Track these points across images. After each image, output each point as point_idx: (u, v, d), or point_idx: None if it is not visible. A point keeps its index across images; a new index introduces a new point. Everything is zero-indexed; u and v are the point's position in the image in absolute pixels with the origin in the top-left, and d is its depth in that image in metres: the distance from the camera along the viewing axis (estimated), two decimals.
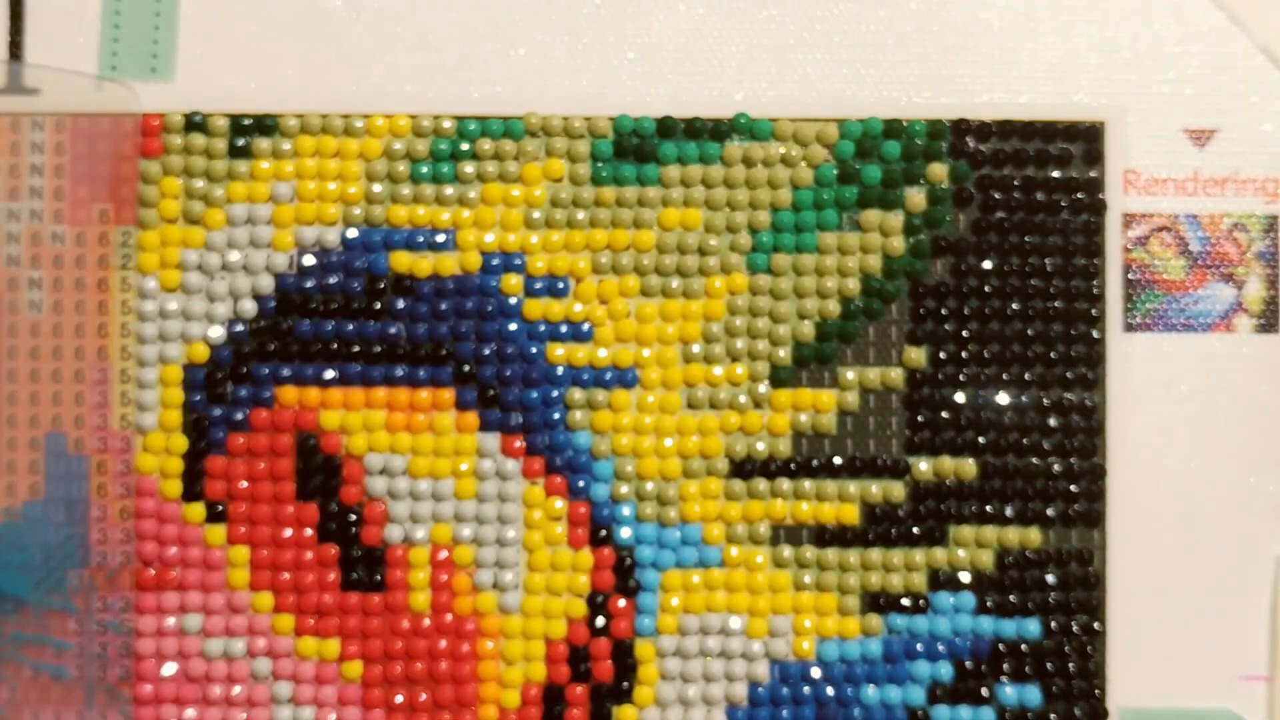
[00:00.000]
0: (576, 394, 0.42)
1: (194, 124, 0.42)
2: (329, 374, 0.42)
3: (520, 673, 0.42)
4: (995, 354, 0.42)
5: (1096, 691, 0.42)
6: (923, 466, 0.42)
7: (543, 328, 0.42)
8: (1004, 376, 0.42)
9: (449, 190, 0.42)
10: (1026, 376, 0.42)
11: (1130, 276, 0.43)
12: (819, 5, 0.43)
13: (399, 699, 0.41)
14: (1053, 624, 0.42)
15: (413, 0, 0.43)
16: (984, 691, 0.42)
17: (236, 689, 0.41)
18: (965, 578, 0.42)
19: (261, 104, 0.42)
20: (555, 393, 0.42)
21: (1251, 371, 0.43)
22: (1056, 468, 0.42)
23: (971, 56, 0.43)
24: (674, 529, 0.42)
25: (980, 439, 0.42)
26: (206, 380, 0.42)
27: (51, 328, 0.41)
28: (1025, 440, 0.42)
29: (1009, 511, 0.42)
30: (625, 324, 0.42)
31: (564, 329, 0.42)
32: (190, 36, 0.42)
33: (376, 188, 0.42)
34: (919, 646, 0.42)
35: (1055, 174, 0.43)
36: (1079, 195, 0.43)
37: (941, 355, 0.42)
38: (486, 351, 0.42)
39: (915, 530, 0.42)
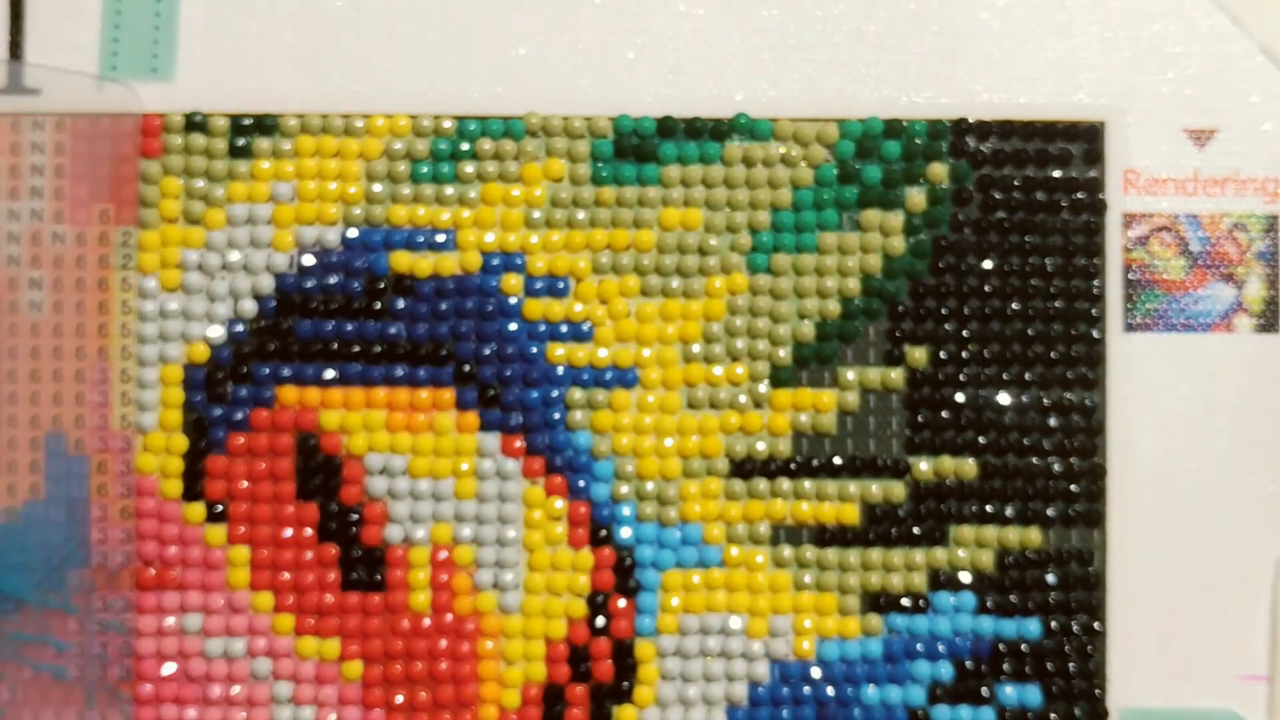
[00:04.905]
0: (576, 394, 0.42)
1: (194, 124, 0.42)
2: (329, 374, 0.42)
3: (520, 673, 0.42)
4: (995, 354, 0.42)
5: (1096, 691, 0.42)
6: (923, 466, 0.42)
7: (543, 328, 0.42)
8: (1004, 376, 0.42)
9: (449, 190, 0.42)
10: (1027, 376, 0.42)
11: (1130, 276, 0.43)
12: (819, 5, 0.43)
13: (399, 699, 0.41)
14: (1053, 624, 0.42)
15: (413, 0, 0.43)
16: (984, 691, 0.42)
17: (236, 689, 0.41)
18: (965, 578, 0.42)
19: (261, 104, 0.42)
20: (555, 393, 0.42)
21: (1251, 371, 0.43)
22: (1057, 468, 0.42)
23: (972, 56, 0.43)
24: (674, 529, 0.42)
25: (980, 439, 0.42)
26: (207, 380, 0.42)
27: (51, 328, 0.41)
28: (1025, 440, 0.42)
29: (1009, 511, 0.42)
30: (625, 324, 0.42)
31: (564, 329, 0.42)
32: (190, 36, 0.42)
33: (376, 188, 0.42)
34: (919, 646, 0.42)
35: (1055, 174, 0.43)
36: (1079, 195, 0.43)
37: (941, 355, 0.42)
38: (487, 351, 0.42)
39: (915, 530, 0.42)
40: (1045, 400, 0.42)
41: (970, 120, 0.43)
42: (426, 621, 0.42)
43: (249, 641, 0.41)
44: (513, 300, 0.42)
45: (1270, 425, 0.43)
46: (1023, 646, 0.42)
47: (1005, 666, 0.42)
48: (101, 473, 0.41)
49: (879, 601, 0.42)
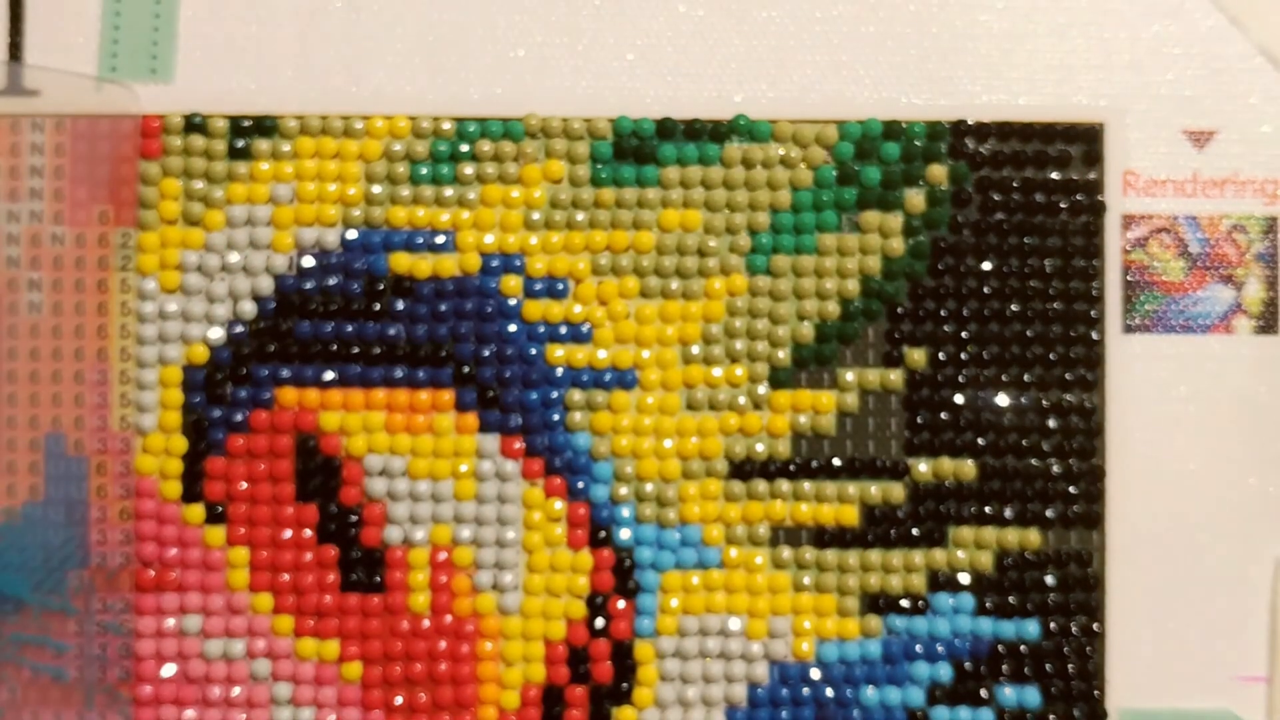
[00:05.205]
0: (576, 395, 0.42)
1: (193, 125, 0.42)
2: (328, 375, 0.42)
3: (520, 674, 0.42)
4: (994, 355, 0.42)
5: (1095, 692, 0.42)
6: (922, 468, 0.42)
7: (542, 329, 0.42)
8: (1003, 378, 0.42)
9: (449, 191, 0.42)
10: (1026, 378, 0.42)
11: (1129, 278, 0.43)
12: (819, 6, 0.43)
13: (398, 700, 0.41)
14: (1052, 625, 0.42)
15: (413, 0, 0.43)
16: (983, 693, 0.42)
17: (236, 690, 0.41)
18: (965, 579, 0.42)
19: (261, 105, 0.42)
20: (555, 394, 0.42)
21: (1251, 372, 0.43)
22: (1056, 469, 0.42)
23: (970, 58, 0.43)
24: (673, 530, 0.42)
25: (979, 440, 0.42)
26: (206, 381, 0.42)
27: (51, 329, 0.41)
28: (1024, 441, 0.42)
29: (1008, 513, 0.42)
30: (625, 325, 0.42)
31: (563, 330, 0.42)
32: (190, 37, 0.42)
33: (376, 189, 0.42)
34: (918, 648, 0.42)
35: (1054, 175, 0.43)
36: (1078, 196, 0.43)
37: (941, 357, 0.42)
38: (486, 353, 0.42)
39: (915, 531, 0.42)
40: (1044, 402, 0.42)
41: (969, 122, 0.43)
42: (426, 623, 0.42)
43: (248, 643, 0.41)
44: (512, 301, 0.42)
45: (1270, 426, 0.43)
46: (1022, 648, 0.42)
47: (1004, 668, 0.42)
48: (101, 474, 0.41)
49: (878, 603, 0.42)
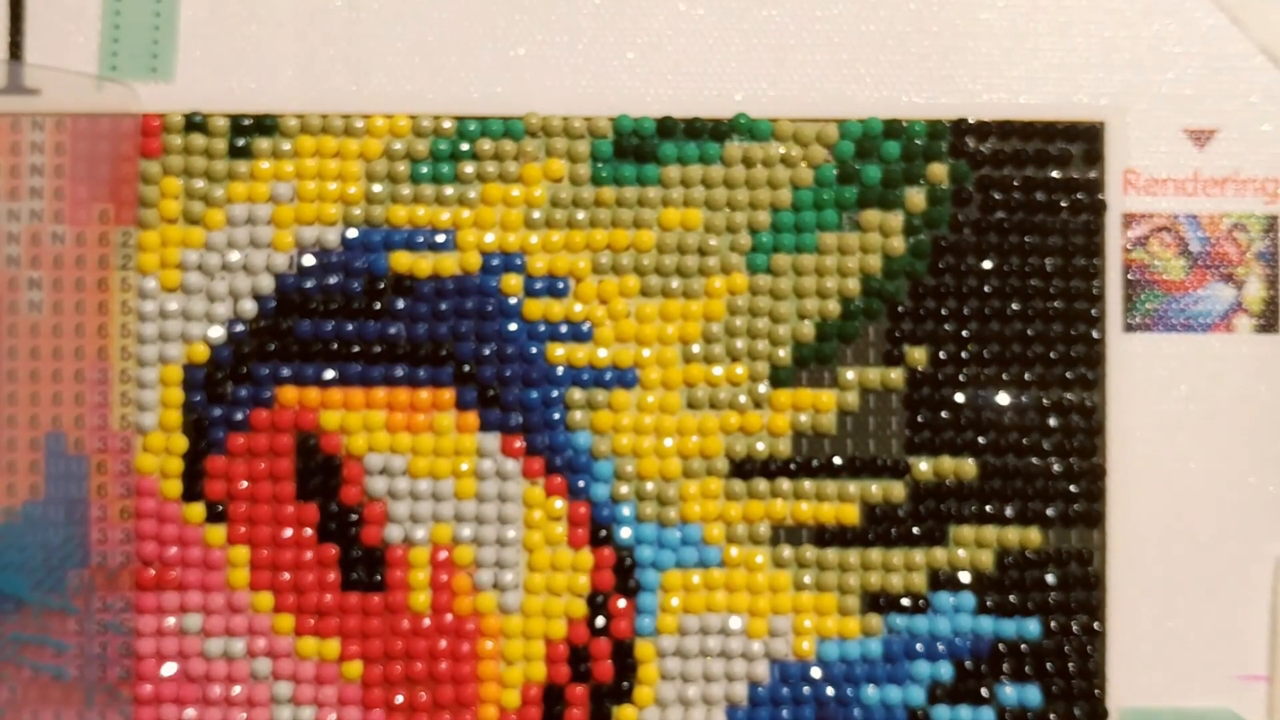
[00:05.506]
0: (576, 394, 0.42)
1: (194, 124, 0.42)
2: (329, 374, 0.42)
3: (520, 673, 0.42)
4: (995, 354, 0.42)
5: (1096, 691, 0.42)
6: (923, 467, 0.42)
7: (543, 328, 0.42)
8: (1004, 376, 0.42)
9: (449, 190, 0.42)
10: (1026, 377, 0.42)
11: (1130, 277, 0.43)
12: (819, 5, 0.43)
13: (399, 699, 0.41)
14: (1053, 624, 0.42)
15: (413, 0, 0.43)
16: (984, 692, 0.42)
17: (236, 689, 0.41)
18: (965, 578, 0.42)
19: (261, 104, 0.42)
20: (555, 393, 0.42)
21: (1251, 371, 0.43)
22: (1056, 468, 0.42)
23: (971, 57, 0.43)
24: (674, 529, 0.42)
25: (980, 439, 0.42)
26: (206, 380, 0.42)
27: (51, 328, 0.41)
28: (1025, 440, 0.42)
29: (1009, 512, 0.42)
30: (625, 324, 0.42)
31: (564, 329, 0.42)
32: (190, 36, 0.42)
33: (376, 188, 0.42)
34: (919, 646, 0.42)
35: (1055, 174, 0.43)
36: (1079, 195, 0.43)
37: (941, 355, 0.42)
38: (486, 351, 0.42)
39: (915, 530, 0.42)
40: (1045, 400, 0.42)
41: (970, 120, 0.43)
42: (426, 622, 0.42)
43: (249, 642, 0.41)
44: (512, 300, 0.42)
45: (1270, 425, 0.43)
46: (1022, 646, 0.42)
47: (1005, 666, 0.42)
48: (101, 473, 0.41)
49: (879, 601, 0.42)
